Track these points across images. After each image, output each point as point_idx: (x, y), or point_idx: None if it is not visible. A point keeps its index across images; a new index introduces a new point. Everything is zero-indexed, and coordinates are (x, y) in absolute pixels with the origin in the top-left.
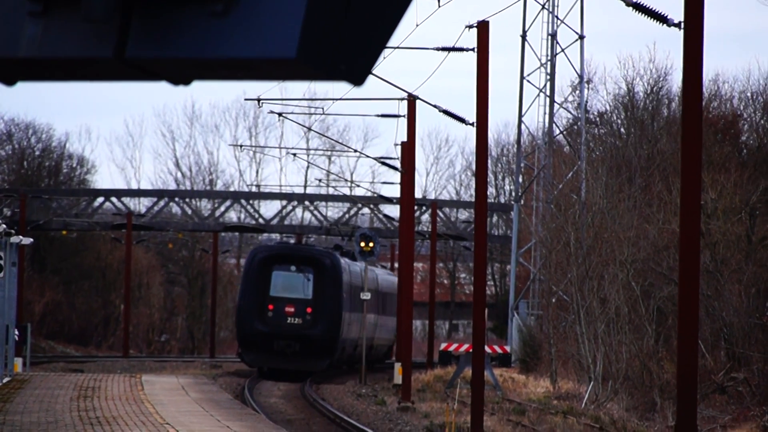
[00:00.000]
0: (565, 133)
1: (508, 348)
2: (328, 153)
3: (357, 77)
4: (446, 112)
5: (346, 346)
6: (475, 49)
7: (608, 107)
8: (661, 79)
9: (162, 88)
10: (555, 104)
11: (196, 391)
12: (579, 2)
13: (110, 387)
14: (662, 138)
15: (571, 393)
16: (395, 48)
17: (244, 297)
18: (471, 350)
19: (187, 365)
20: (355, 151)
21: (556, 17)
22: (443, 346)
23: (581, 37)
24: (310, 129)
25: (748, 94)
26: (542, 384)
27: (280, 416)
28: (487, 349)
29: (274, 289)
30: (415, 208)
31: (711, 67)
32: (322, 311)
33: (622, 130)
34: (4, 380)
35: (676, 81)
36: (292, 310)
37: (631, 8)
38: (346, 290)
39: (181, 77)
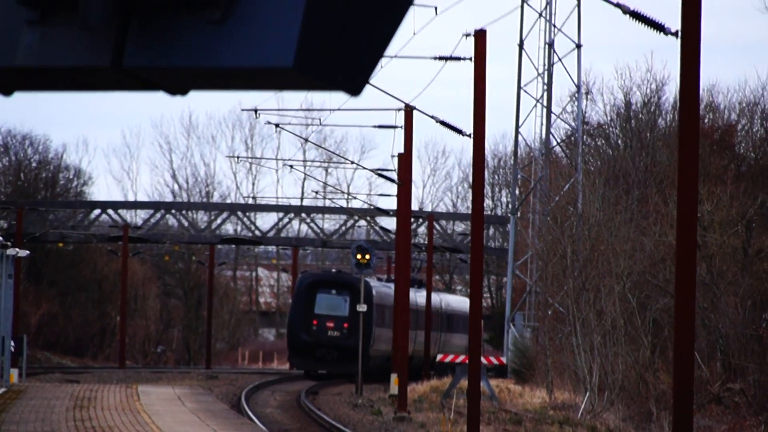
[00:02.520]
0: (562, 144)
1: (504, 359)
2: (325, 164)
3: (354, 87)
4: (443, 123)
5: (377, 355)
6: (473, 59)
7: (605, 118)
8: (659, 89)
9: (159, 98)
10: (552, 115)
11: (193, 401)
12: (576, 11)
13: (106, 397)
14: (659, 149)
15: (567, 403)
16: (392, 57)
17: (294, 313)
18: (467, 361)
19: (183, 376)
20: (352, 162)
21: (554, 26)
22: (440, 357)
23: (578, 46)
24: (306, 140)
25: (745, 105)
26: (538, 394)
27: (276, 426)
28: (483, 360)
29: (318, 308)
30: (412, 220)
31: (708, 76)
32: (356, 326)
33: (619, 141)
34: (1, 391)
35: (673, 91)
36: (332, 324)
37: (628, 17)
38: (377, 310)
39: (178, 87)
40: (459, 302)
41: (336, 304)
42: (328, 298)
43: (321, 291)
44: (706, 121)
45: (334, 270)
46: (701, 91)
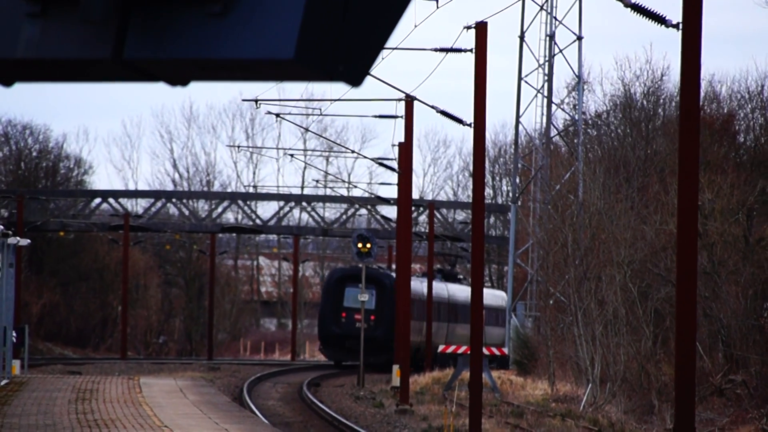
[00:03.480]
0: (562, 134)
1: (505, 350)
2: (326, 154)
3: (355, 78)
4: (444, 113)
5: None
6: (473, 50)
7: (605, 108)
8: (658, 80)
9: (160, 88)
10: (552, 105)
11: (194, 393)
12: (577, 3)
13: (108, 389)
14: (659, 139)
15: (569, 395)
16: (393, 49)
17: (324, 307)
18: (469, 352)
19: (185, 367)
20: (353, 152)
21: (555, 18)
22: (441, 348)
23: (579, 38)
24: (307, 130)
25: (746, 95)
26: (540, 386)
27: (279, 419)
28: (484, 351)
29: (346, 301)
30: (413, 209)
31: (709, 67)
32: (382, 319)
33: (619, 131)
34: (2, 382)
35: (672, 82)
36: (359, 317)
37: (629, 9)
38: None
39: (179, 78)
40: (466, 293)
41: None
42: (355, 291)
43: (349, 285)
44: (706, 110)
45: (361, 265)
46: (702, 82)
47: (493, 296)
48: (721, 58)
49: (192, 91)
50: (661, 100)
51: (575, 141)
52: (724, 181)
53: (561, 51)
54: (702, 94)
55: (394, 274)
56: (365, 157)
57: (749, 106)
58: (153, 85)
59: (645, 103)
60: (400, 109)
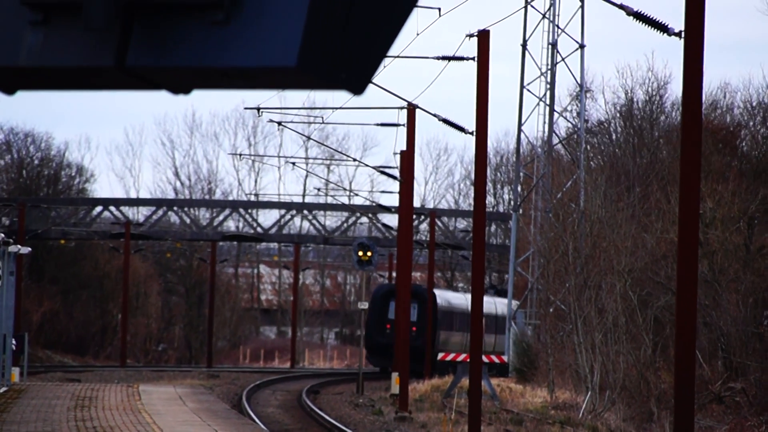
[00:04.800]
0: (564, 142)
1: (505, 357)
2: (327, 162)
3: (357, 86)
4: (446, 121)
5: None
6: (476, 58)
7: (607, 116)
8: (660, 88)
9: (162, 96)
10: (555, 113)
11: (194, 401)
12: (579, 11)
13: (107, 397)
14: (660, 147)
15: (568, 403)
16: (395, 57)
17: (371, 319)
18: (468, 360)
19: (185, 375)
20: (354, 160)
21: (557, 26)
22: (441, 355)
23: (581, 46)
24: (309, 138)
25: (750, 104)
26: (539, 394)
27: (278, 426)
28: (484, 358)
29: (390, 314)
30: (414, 217)
31: (712, 76)
32: (423, 330)
33: (621, 139)
34: (2, 390)
35: (674, 90)
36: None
37: (632, 18)
38: (441, 315)
39: (181, 86)
40: (487, 303)
41: None
42: None
43: (393, 299)
44: (709, 119)
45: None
46: (705, 90)
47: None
48: (727, 66)
49: (194, 99)
50: (663, 109)
51: (577, 149)
52: (725, 189)
53: (563, 59)
54: (705, 103)
55: (434, 290)
56: (367, 165)
57: (753, 115)
58: (155, 93)
59: (646, 111)
60: (402, 117)
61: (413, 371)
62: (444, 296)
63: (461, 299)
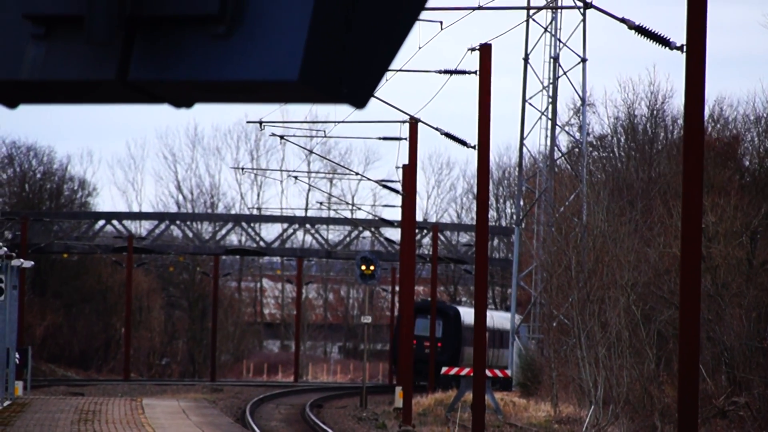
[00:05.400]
0: (566, 156)
1: (508, 372)
2: (330, 176)
3: (359, 100)
4: (448, 135)
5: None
6: (478, 72)
7: (609, 130)
8: (662, 102)
9: (164, 110)
10: (557, 127)
11: (197, 414)
12: (581, 25)
13: (111, 410)
14: (662, 161)
15: (572, 417)
16: (397, 70)
17: (398, 335)
18: (472, 374)
19: (188, 389)
20: (357, 173)
21: (559, 40)
22: (444, 369)
23: (583, 60)
24: (311, 152)
25: (751, 117)
26: (543, 408)
27: None
28: (487, 372)
29: (417, 330)
30: (417, 231)
31: (714, 89)
32: (447, 345)
33: (622, 152)
34: (5, 404)
35: (676, 104)
36: (427, 344)
37: (633, 31)
38: (465, 332)
39: (183, 100)
40: (499, 318)
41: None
42: (424, 322)
43: (419, 316)
44: (711, 132)
45: (429, 299)
46: (707, 104)
47: (499, 319)
48: (728, 80)
49: (196, 113)
50: (665, 122)
51: (579, 163)
52: (727, 203)
53: (565, 73)
54: (707, 116)
55: (458, 307)
56: (369, 179)
57: (755, 128)
58: (157, 106)
59: (648, 125)
60: (404, 131)
61: (440, 384)
62: (468, 313)
63: (494, 318)
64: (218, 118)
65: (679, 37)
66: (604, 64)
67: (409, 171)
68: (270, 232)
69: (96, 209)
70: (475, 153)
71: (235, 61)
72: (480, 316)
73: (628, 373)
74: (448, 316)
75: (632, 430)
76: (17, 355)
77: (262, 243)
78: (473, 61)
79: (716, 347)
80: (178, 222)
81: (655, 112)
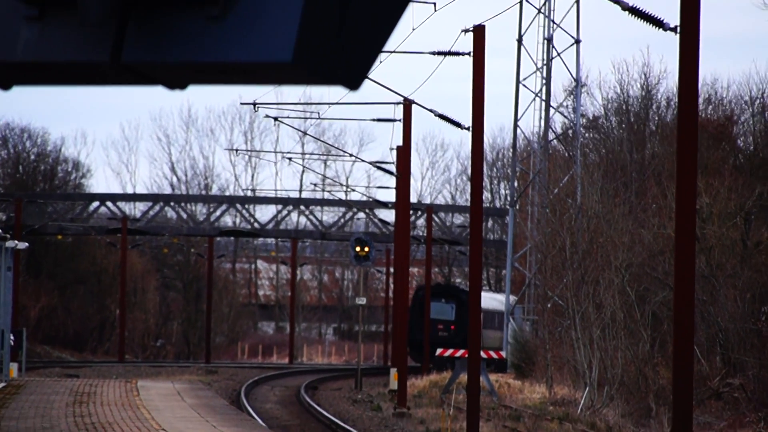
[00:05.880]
0: (560, 137)
1: (503, 353)
2: (324, 157)
3: (353, 82)
4: (442, 117)
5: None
6: (471, 54)
7: (603, 111)
8: (655, 83)
9: (158, 92)
10: (551, 108)
11: (192, 396)
12: (575, 6)
13: (106, 392)
14: (656, 142)
15: (566, 399)
16: (391, 52)
17: (412, 318)
18: (467, 355)
19: (183, 370)
20: (351, 155)
21: (552, 21)
22: (439, 351)
23: (577, 42)
24: (305, 133)
25: (746, 99)
26: (538, 390)
27: (276, 422)
28: (482, 354)
29: (432, 314)
30: (411, 212)
31: (708, 70)
32: (460, 328)
33: (617, 134)
34: (0, 386)
35: (670, 85)
36: (441, 327)
37: (627, 12)
38: (483, 315)
39: (177, 81)
40: (491, 299)
41: (444, 310)
42: (438, 305)
43: (434, 300)
44: (705, 114)
45: (442, 282)
46: (701, 85)
47: (492, 300)
48: (722, 61)
49: (190, 95)
50: (658, 104)
51: (573, 144)
52: (721, 184)
53: (559, 54)
54: (701, 98)
55: (492, 294)
56: (363, 160)
57: (750, 110)
58: (151, 88)
59: (642, 106)
60: (398, 112)
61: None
62: (499, 299)
63: (493, 299)
64: (212, 100)
65: (673, 18)
66: (597, 45)
67: (403, 152)
68: (264, 213)
69: (90, 191)
70: (469, 134)
71: (229, 43)
72: (475, 297)
73: (622, 355)
74: (461, 299)
75: (627, 412)
76: (12, 337)
77: (256, 224)
78: (467, 43)
79: (711, 328)
80: (172, 203)
81: (648, 93)
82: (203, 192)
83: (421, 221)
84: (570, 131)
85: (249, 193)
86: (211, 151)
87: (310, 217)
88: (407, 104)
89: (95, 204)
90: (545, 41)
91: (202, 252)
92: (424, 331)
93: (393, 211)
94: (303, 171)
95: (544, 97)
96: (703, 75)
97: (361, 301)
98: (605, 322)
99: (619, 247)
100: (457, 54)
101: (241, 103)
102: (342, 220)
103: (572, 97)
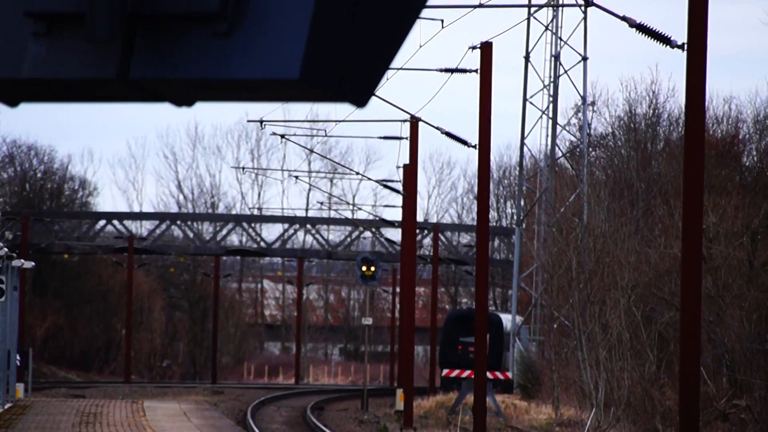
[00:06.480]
0: (567, 155)
1: (509, 374)
2: (330, 175)
3: (360, 99)
4: (449, 135)
5: None
6: (478, 71)
7: (610, 130)
8: (663, 101)
9: (165, 109)
10: (558, 126)
11: (198, 417)
12: (582, 23)
13: (112, 413)
14: (663, 161)
15: (573, 419)
16: (398, 69)
17: (444, 340)
18: (473, 376)
19: (189, 391)
20: (357, 173)
21: (560, 38)
22: (445, 371)
23: (584, 59)
24: (312, 151)
25: (753, 117)
26: (544, 410)
27: None
28: (488, 375)
29: (461, 336)
30: (417, 231)
31: (716, 88)
32: (491, 350)
33: (623, 152)
34: (6, 406)
35: (677, 103)
36: (472, 349)
37: (635, 30)
38: (506, 337)
39: (184, 98)
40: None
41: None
42: (471, 328)
43: (467, 323)
44: (712, 132)
45: (473, 307)
46: (708, 103)
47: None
48: (730, 78)
49: (197, 112)
50: (667, 122)
51: (580, 163)
52: (728, 203)
53: (566, 71)
54: (708, 116)
55: (501, 315)
56: (370, 178)
57: (756, 128)
58: (158, 105)
59: (649, 124)
60: (405, 130)
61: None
62: (508, 320)
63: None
64: (219, 117)
65: (681, 35)
66: (605, 62)
67: (410, 171)
68: (271, 232)
69: (97, 209)
70: (475, 152)
71: (236, 60)
72: (481, 317)
73: (629, 375)
74: (491, 322)
75: None
76: (18, 357)
77: (262, 243)
78: (474, 60)
79: (717, 349)
80: (178, 222)
81: (656, 111)
82: (210, 210)
83: (427, 240)
84: (577, 150)
85: (255, 212)
86: (218, 168)
87: (317, 236)
88: (414, 122)
89: (102, 222)
90: (552, 58)
91: (209, 271)
92: (456, 353)
93: (399, 230)
94: (309, 189)
95: (550, 115)
96: (711, 93)
97: (368, 321)
98: (611, 342)
99: (625, 266)
100: (464, 71)
101: (248, 121)
102: (348, 239)
103: (579, 114)
